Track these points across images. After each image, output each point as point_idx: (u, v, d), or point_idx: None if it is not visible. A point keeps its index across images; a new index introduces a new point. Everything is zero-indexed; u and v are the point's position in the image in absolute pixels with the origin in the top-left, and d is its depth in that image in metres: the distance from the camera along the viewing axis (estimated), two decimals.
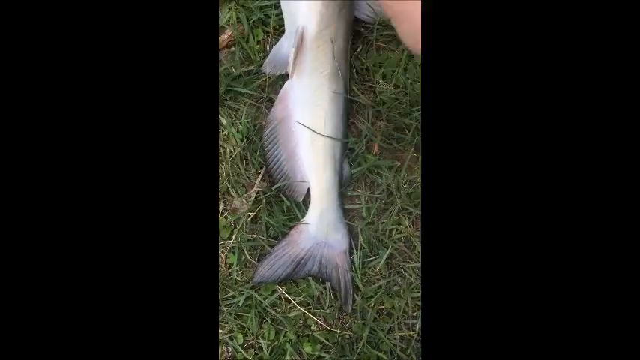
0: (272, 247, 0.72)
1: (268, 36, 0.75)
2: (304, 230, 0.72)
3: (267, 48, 0.74)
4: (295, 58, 0.70)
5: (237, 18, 0.74)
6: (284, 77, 0.73)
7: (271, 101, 0.74)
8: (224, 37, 0.74)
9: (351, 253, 0.72)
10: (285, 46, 0.72)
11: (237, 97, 0.74)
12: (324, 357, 0.71)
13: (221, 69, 0.73)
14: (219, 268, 0.73)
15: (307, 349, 0.72)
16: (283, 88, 0.72)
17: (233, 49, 0.75)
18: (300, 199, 0.73)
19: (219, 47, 0.74)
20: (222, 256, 0.73)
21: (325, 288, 0.72)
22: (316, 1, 0.69)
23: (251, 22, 0.74)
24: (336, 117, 0.72)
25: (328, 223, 0.72)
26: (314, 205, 0.72)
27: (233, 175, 0.73)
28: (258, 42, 0.74)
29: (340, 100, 0.73)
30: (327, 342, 0.72)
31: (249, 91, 0.73)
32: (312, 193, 0.72)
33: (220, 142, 0.74)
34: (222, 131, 0.74)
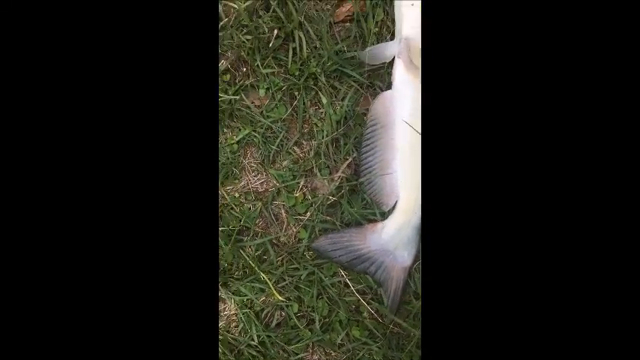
0: None
1: (388, 18, 0.70)
2: (377, 232, 0.71)
3: (384, 31, 0.70)
4: (398, 69, 0.66)
5: None
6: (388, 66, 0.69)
7: (374, 88, 0.71)
8: (343, 10, 0.70)
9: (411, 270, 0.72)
10: (391, 49, 0.68)
11: (343, 78, 0.71)
12: (371, 344, 0.75)
13: (336, 47, 0.69)
14: (288, 240, 0.75)
15: (355, 332, 0.75)
16: (383, 94, 0.68)
17: (349, 24, 0.70)
18: (387, 210, 0.71)
19: (336, 19, 0.70)
20: (294, 229, 0.75)
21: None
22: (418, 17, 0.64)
23: None
24: None
25: (402, 238, 0.71)
26: (396, 217, 0.71)
27: (320, 156, 0.72)
28: (377, 23, 0.69)
29: None
30: (375, 331, 0.75)
31: (357, 76, 0.70)
32: (398, 205, 0.70)
33: (315, 120, 0.72)
34: (320, 109, 0.72)
